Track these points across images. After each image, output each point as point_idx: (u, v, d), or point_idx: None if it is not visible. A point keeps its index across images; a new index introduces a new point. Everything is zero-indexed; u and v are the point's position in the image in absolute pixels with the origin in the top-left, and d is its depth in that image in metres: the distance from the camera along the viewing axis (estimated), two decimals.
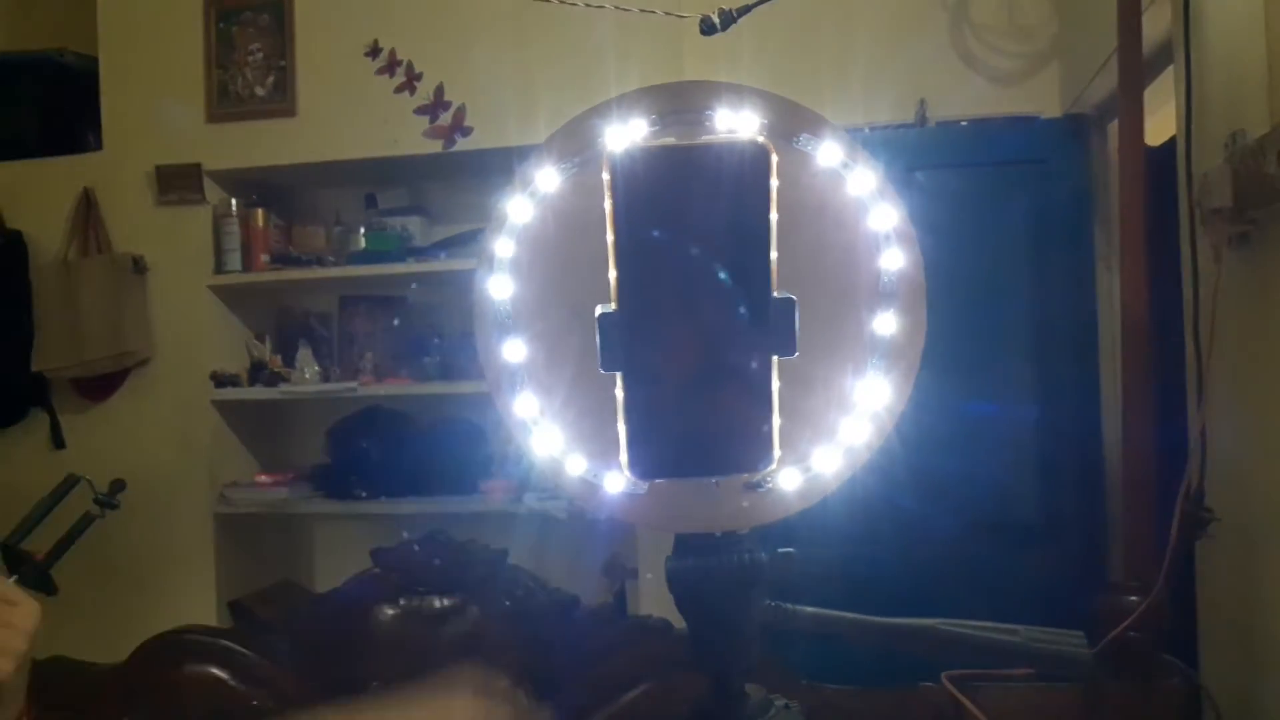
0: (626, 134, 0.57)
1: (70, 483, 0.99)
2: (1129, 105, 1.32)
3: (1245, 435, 1.32)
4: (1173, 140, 1.60)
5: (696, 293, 0.54)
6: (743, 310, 0.53)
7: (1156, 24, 1.55)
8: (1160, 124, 1.64)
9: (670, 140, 0.56)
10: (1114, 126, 2.44)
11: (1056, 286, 2.46)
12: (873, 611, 0.78)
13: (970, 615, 0.83)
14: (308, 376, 2.98)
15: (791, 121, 0.58)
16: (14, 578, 0.82)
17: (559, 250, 0.60)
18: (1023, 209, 2.47)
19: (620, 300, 0.53)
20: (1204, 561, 1.46)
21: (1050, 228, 2.47)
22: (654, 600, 2.62)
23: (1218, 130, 1.32)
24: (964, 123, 2.57)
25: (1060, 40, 2.64)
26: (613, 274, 0.53)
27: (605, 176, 0.51)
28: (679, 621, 1.29)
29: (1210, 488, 1.29)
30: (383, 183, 3.15)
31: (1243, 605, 1.34)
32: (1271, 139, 1.09)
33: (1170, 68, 1.62)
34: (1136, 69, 1.34)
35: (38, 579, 0.85)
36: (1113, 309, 2.44)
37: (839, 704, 1.29)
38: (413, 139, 2.85)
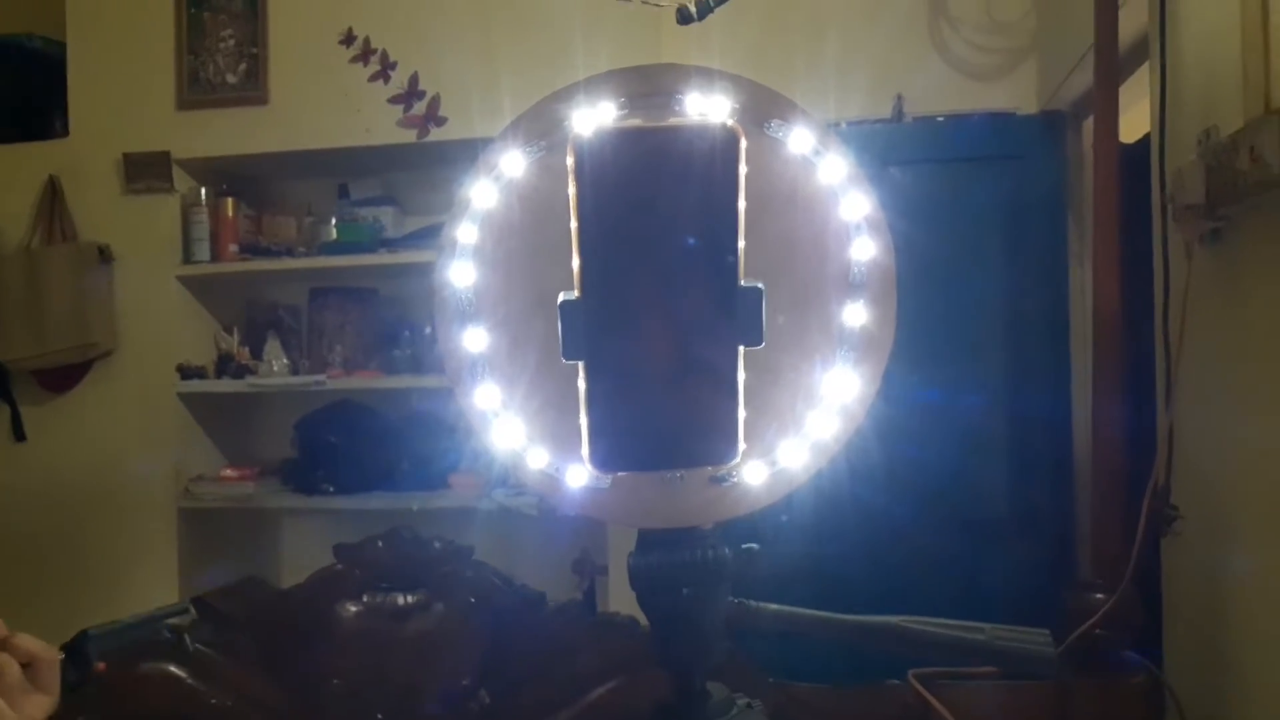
0: (594, 117, 0.55)
1: (180, 609, 0.94)
2: (1104, 100, 1.32)
3: (1212, 433, 1.32)
4: (1147, 137, 1.60)
5: (662, 280, 0.52)
6: (709, 299, 0.51)
7: (1132, 20, 1.55)
8: (1134, 120, 1.64)
9: (637, 122, 0.54)
10: (1089, 123, 2.46)
11: (1029, 282, 2.47)
12: (839, 608, 0.77)
13: (938, 612, 0.82)
14: (275, 369, 2.94)
15: (763, 107, 0.57)
16: (63, 658, 0.79)
17: (523, 236, 0.58)
18: (997, 204, 2.47)
19: (583, 288, 0.51)
20: (1169, 559, 1.47)
21: (1024, 223, 2.48)
22: (624, 597, 2.61)
23: (1191, 127, 1.32)
24: (940, 118, 2.57)
25: (1037, 36, 2.65)
26: (576, 260, 0.51)
27: (570, 159, 0.50)
28: (646, 619, 1.28)
29: (1176, 485, 1.29)
30: (355, 173, 3.12)
31: (1207, 602, 1.35)
32: (1244, 136, 1.09)
33: (1145, 64, 1.62)
34: (1112, 65, 1.34)
35: (79, 679, 0.80)
36: (1085, 305, 2.45)
37: (806, 701, 1.28)
38: (386, 129, 2.82)
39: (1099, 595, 1.25)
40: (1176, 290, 1.31)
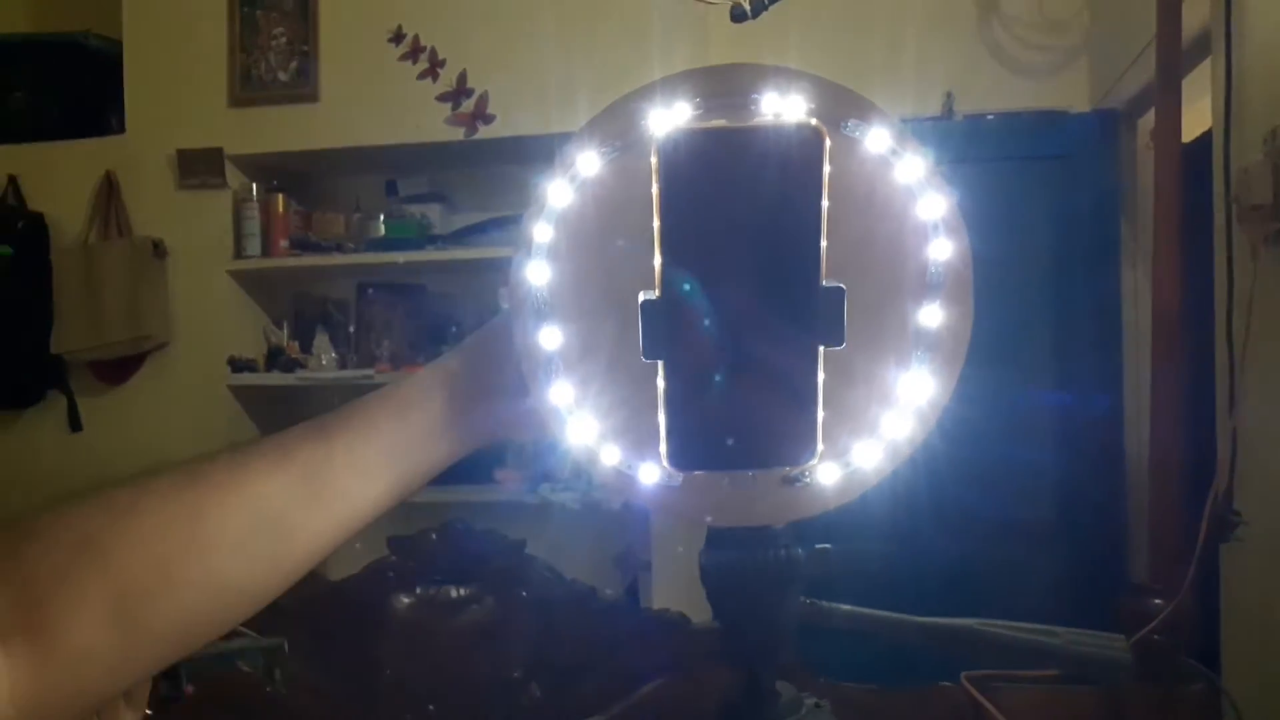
0: (671, 117, 0.55)
1: (276, 644, 0.96)
2: (1166, 96, 1.29)
3: (1277, 438, 1.29)
4: (1205, 135, 1.57)
5: (743, 280, 0.52)
6: (790, 299, 0.51)
7: (1194, 15, 1.53)
8: (1193, 119, 1.61)
9: (722, 122, 0.54)
10: (1144, 122, 2.42)
11: (1081, 282, 2.44)
12: (893, 607, 0.77)
13: (990, 612, 0.81)
14: (324, 363, 2.98)
15: (839, 107, 0.57)
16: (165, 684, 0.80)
17: (597, 236, 0.58)
18: (1050, 204, 2.44)
19: (665, 287, 0.52)
20: (1229, 565, 1.44)
21: (1077, 224, 2.45)
22: (667, 594, 2.61)
23: (1256, 125, 1.30)
24: (991, 116, 2.55)
25: (1090, 34, 2.61)
26: (657, 260, 0.51)
27: (653, 160, 0.50)
28: (697, 615, 1.28)
29: (1238, 490, 1.27)
30: (403, 170, 3.15)
31: (1267, 609, 1.33)
32: None
33: (1205, 62, 1.59)
34: (1175, 59, 1.31)
35: (168, 696, 0.82)
36: (1137, 306, 2.42)
37: (857, 701, 1.28)
38: (434, 126, 2.84)
39: (1157, 600, 1.24)
40: (1241, 291, 1.29)
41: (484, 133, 2.82)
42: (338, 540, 0.58)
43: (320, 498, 0.56)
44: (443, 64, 2.85)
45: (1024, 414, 2.40)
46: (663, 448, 0.53)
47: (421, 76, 2.86)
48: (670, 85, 0.57)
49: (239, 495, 0.54)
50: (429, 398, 0.61)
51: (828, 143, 0.49)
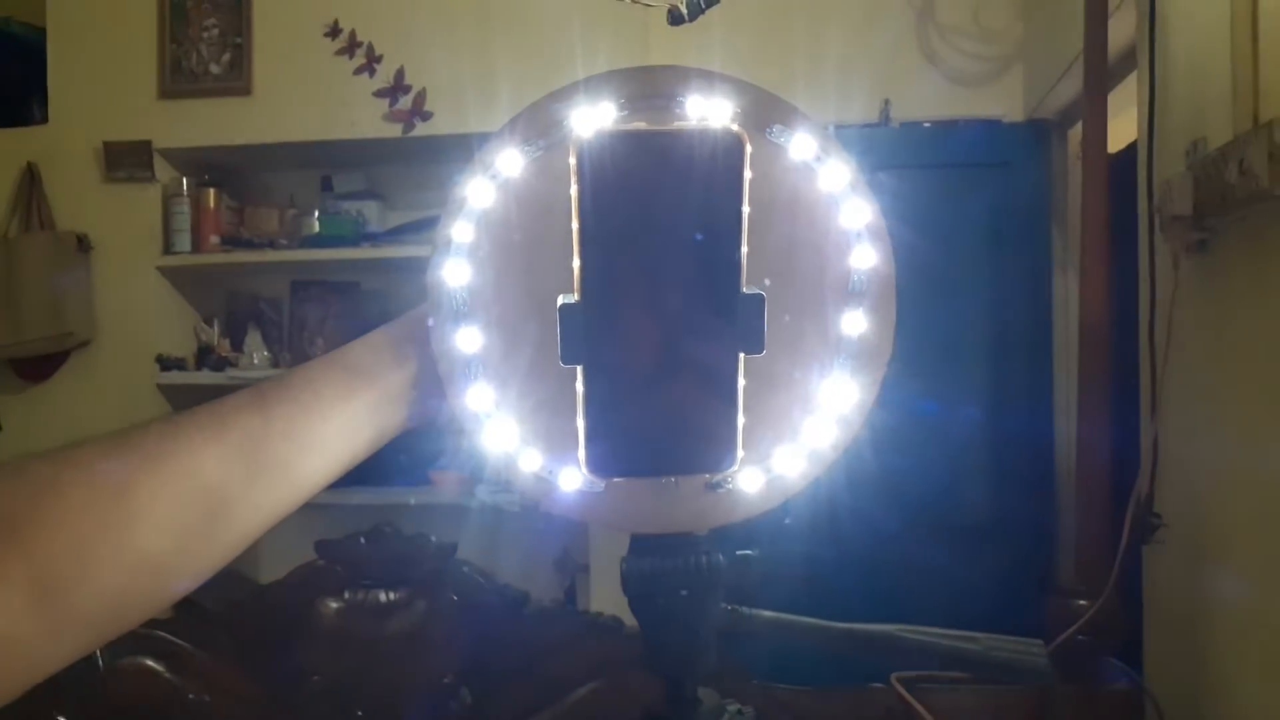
0: (594, 117, 0.55)
1: None
2: (1093, 110, 1.32)
3: (1195, 443, 1.33)
4: (1132, 146, 1.61)
5: (663, 285, 0.51)
6: (710, 305, 0.51)
7: (1121, 30, 1.56)
8: (1120, 130, 1.65)
9: (641, 125, 0.53)
10: (1074, 132, 2.47)
11: (1013, 290, 2.49)
12: (822, 611, 0.77)
13: (919, 615, 0.82)
14: (256, 362, 2.92)
15: (764, 112, 0.56)
16: None
17: (518, 236, 0.57)
18: (982, 211, 2.48)
19: (583, 291, 0.51)
20: (1150, 567, 1.48)
21: (1009, 231, 2.49)
22: (605, 596, 2.61)
23: (1179, 138, 1.33)
24: (927, 124, 2.58)
25: (1024, 44, 2.66)
26: (576, 263, 0.50)
27: (572, 161, 0.49)
28: (630, 619, 1.28)
29: (1160, 494, 1.30)
30: (339, 166, 3.10)
31: (1188, 610, 1.36)
32: (1233, 148, 1.09)
33: (1132, 74, 1.63)
34: (1101, 73, 1.34)
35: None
36: (1067, 313, 2.47)
37: (789, 704, 1.28)
38: (371, 122, 2.80)
39: (1082, 602, 1.26)
40: (1162, 300, 1.32)
41: (421, 130, 2.79)
42: (278, 514, 0.55)
43: (259, 470, 0.53)
44: (380, 59, 2.81)
45: (953, 420, 2.43)
46: (582, 454, 0.53)
47: (358, 72, 2.82)
48: (594, 85, 0.56)
49: (171, 467, 0.51)
50: (378, 363, 0.58)
51: (748, 148, 0.49)
